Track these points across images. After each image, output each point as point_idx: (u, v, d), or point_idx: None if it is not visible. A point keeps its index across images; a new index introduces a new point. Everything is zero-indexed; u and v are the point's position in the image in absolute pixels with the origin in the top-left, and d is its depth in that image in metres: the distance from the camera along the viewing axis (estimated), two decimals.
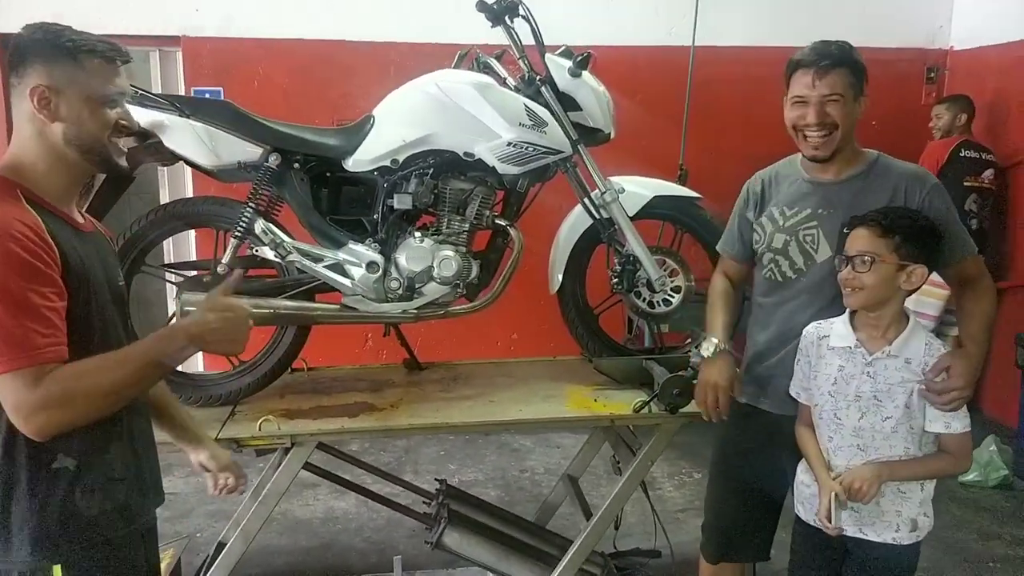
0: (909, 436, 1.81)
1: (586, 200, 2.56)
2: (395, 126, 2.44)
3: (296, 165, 2.40)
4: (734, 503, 2.21)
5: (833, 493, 1.79)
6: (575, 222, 2.63)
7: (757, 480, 2.15)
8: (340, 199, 2.47)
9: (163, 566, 2.68)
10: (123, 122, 1.45)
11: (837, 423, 1.86)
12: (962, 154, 4.35)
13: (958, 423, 1.79)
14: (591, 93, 2.50)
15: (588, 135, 2.53)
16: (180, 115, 2.30)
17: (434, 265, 2.43)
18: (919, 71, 4.87)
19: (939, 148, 4.42)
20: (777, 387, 2.07)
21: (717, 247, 2.29)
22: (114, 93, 1.42)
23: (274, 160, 2.35)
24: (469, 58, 2.58)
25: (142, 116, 2.25)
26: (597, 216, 2.56)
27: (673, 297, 2.61)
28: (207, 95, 4.14)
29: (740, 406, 2.13)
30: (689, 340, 2.78)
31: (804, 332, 1.95)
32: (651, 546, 2.83)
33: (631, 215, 2.56)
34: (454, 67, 2.54)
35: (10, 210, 1.30)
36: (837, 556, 1.91)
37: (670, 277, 2.61)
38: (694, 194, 2.70)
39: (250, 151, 2.35)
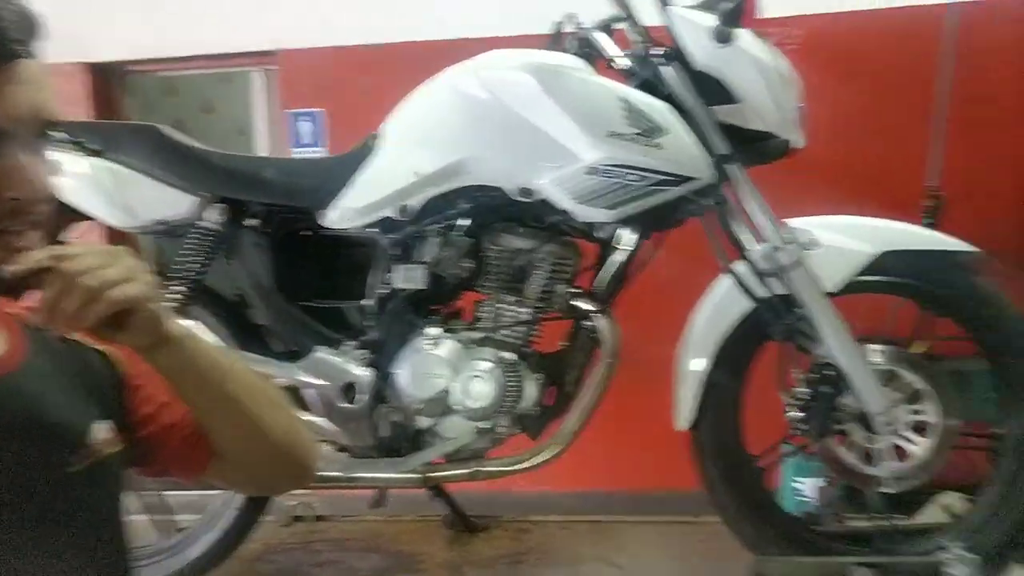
0: None
1: (741, 264, 1.41)
2: (406, 150, 1.48)
3: (251, 222, 1.51)
4: None
5: None
6: (721, 303, 1.47)
7: None
8: (313, 274, 1.54)
9: None
10: (11, 196, 0.63)
11: None
12: None
13: None
14: (752, 68, 1.39)
15: (750, 146, 1.40)
16: (84, 152, 1.51)
17: (458, 385, 1.41)
18: None
19: None
20: None
21: None
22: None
23: (215, 216, 1.49)
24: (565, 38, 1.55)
25: None
26: (763, 296, 1.40)
27: (914, 443, 1.38)
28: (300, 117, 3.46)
29: None
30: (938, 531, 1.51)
31: None
32: None
33: (833, 289, 1.39)
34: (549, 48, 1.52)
35: None
36: None
37: (908, 406, 1.38)
38: (960, 245, 1.43)
39: (177, 202, 1.50)
